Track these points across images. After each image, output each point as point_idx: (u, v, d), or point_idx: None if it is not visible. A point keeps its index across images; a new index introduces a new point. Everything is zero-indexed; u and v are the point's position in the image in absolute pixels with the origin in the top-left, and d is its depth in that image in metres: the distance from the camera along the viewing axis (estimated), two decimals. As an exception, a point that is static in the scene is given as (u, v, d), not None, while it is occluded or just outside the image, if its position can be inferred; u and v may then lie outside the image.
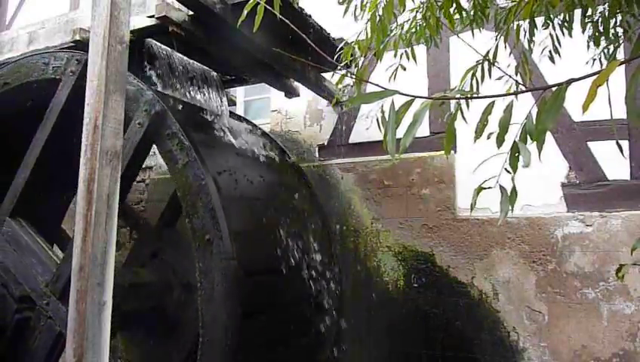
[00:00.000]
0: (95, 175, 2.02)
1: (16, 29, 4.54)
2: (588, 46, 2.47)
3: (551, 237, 3.67)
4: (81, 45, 3.26)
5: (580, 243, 3.57)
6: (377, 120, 1.30)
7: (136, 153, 2.98)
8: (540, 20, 2.36)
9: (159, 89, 3.37)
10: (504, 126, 1.20)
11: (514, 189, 1.30)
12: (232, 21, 2.91)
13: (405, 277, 4.15)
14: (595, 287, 3.50)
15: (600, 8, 2.29)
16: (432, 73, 4.25)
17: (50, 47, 3.55)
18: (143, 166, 4.59)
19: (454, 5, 2.16)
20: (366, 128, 4.42)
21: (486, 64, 2.20)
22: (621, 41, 2.36)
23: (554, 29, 2.42)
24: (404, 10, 2.27)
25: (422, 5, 2.26)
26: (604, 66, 2.01)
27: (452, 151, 4.07)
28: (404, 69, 2.49)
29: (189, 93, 3.73)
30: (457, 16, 2.26)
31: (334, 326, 4.01)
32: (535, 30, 2.34)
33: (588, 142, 3.67)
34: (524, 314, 3.70)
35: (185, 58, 3.76)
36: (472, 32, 2.35)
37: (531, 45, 2.40)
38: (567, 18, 2.36)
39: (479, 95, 1.33)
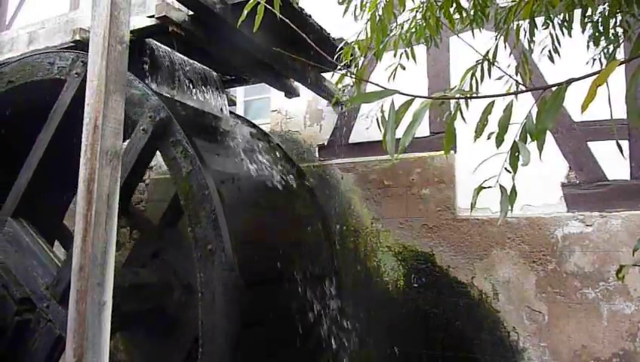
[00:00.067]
0: (95, 175, 2.02)
1: (16, 29, 4.54)
2: (588, 46, 2.47)
3: (551, 237, 3.67)
4: (81, 45, 3.26)
5: (580, 243, 3.57)
6: (377, 120, 1.30)
7: (140, 159, 2.97)
8: (540, 20, 2.36)
9: (156, 88, 3.36)
10: (504, 126, 1.20)
11: (514, 189, 1.31)
12: (232, 21, 2.91)
13: (405, 277, 4.15)
14: (595, 287, 3.50)
15: (600, 8, 2.29)
16: (432, 73, 4.25)
17: (50, 47, 3.55)
18: (143, 166, 4.58)
19: (454, 5, 2.16)
20: (366, 128, 4.42)
21: (486, 64, 2.20)
22: (621, 41, 2.36)
23: (554, 28, 2.42)
24: (404, 10, 2.27)
25: (422, 5, 2.26)
26: (604, 66, 2.01)
27: (452, 151, 4.07)
28: (404, 69, 2.49)
29: (189, 93, 3.72)
30: (457, 15, 2.26)
31: (333, 334, 4.00)
32: (535, 30, 2.34)
33: (588, 142, 3.67)
34: (524, 314, 3.70)
35: (185, 58, 3.76)
36: (472, 31, 2.35)
37: (531, 45, 2.40)
38: (567, 18, 2.36)
39: (479, 95, 1.33)
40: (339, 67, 2.42)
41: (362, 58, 2.50)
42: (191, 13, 3.03)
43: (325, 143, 4.72)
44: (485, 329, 3.81)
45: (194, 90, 3.77)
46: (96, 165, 2.02)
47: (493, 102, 1.26)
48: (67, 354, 1.97)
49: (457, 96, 1.28)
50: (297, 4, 3.23)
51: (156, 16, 2.96)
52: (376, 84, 1.26)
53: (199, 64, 3.92)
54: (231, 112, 4.40)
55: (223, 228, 2.78)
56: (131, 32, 2.31)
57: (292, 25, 1.77)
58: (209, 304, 2.73)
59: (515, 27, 2.33)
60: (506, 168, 1.24)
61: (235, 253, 2.78)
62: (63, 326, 2.58)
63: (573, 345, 3.53)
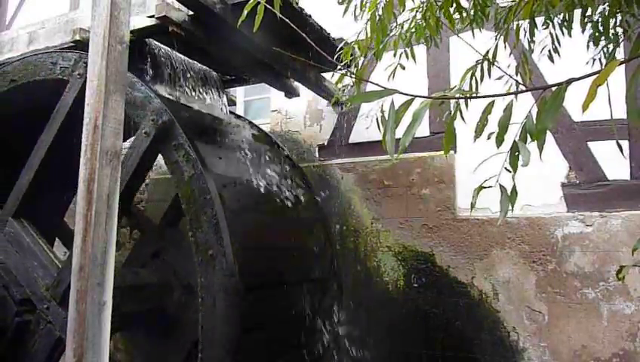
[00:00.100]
0: (95, 175, 2.01)
1: (16, 29, 4.54)
2: (588, 46, 2.46)
3: (551, 237, 3.67)
4: (81, 45, 3.26)
5: (580, 243, 3.57)
6: (377, 119, 1.30)
7: (142, 162, 2.97)
8: (540, 20, 2.36)
9: (159, 87, 3.36)
10: (504, 125, 1.20)
11: (514, 188, 1.31)
12: (232, 21, 2.91)
13: (405, 277, 4.15)
14: (595, 287, 3.50)
15: (600, 8, 2.29)
16: (432, 73, 4.25)
17: (50, 47, 3.55)
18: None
19: (454, 5, 2.15)
20: (366, 127, 4.42)
21: (485, 64, 2.20)
22: (621, 41, 2.36)
23: (554, 28, 2.41)
24: (403, 10, 2.27)
25: (422, 5, 2.26)
26: (604, 66, 2.01)
27: (452, 151, 4.07)
28: (403, 68, 2.48)
29: (189, 93, 3.72)
30: (457, 15, 2.26)
31: (334, 338, 4.00)
32: (535, 30, 2.33)
33: (588, 142, 3.67)
34: (524, 314, 3.70)
35: (185, 58, 3.76)
36: (472, 31, 2.35)
37: (531, 45, 2.40)
38: (566, 18, 2.35)
39: (479, 95, 1.33)
40: (339, 67, 2.42)
41: (362, 58, 2.50)
42: (191, 13, 3.03)
43: (325, 143, 4.72)
44: (485, 329, 3.81)
45: (195, 91, 3.77)
46: (96, 165, 2.02)
47: (493, 102, 1.26)
48: (67, 354, 1.97)
49: (457, 96, 1.28)
50: (297, 4, 3.23)
51: (156, 16, 2.96)
52: (376, 84, 1.26)
53: (199, 64, 3.92)
54: (231, 112, 4.40)
55: (224, 233, 2.77)
56: (131, 32, 2.31)
57: (292, 25, 1.77)
58: (209, 309, 2.73)
59: (515, 27, 2.33)
60: (506, 168, 1.24)
61: (236, 258, 2.78)
62: (63, 328, 2.58)
63: (573, 345, 3.53)
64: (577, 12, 2.34)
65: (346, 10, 2.30)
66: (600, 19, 2.28)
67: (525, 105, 1.26)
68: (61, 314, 2.86)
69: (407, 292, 4.12)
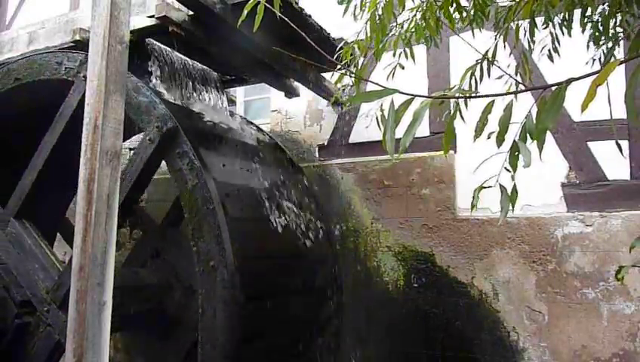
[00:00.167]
0: (95, 175, 2.01)
1: (16, 29, 4.54)
2: (588, 46, 2.47)
3: (551, 237, 3.67)
4: (81, 45, 3.26)
5: (580, 243, 3.57)
6: (377, 119, 1.30)
7: (146, 169, 2.96)
8: (540, 20, 2.36)
9: (161, 87, 3.36)
10: (504, 125, 1.20)
11: (514, 188, 1.31)
12: (232, 21, 2.91)
13: (405, 277, 4.15)
14: (595, 287, 3.50)
15: (600, 8, 2.29)
16: (432, 73, 4.25)
17: (50, 47, 3.55)
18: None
19: (454, 5, 2.15)
20: (365, 127, 4.42)
21: (485, 63, 2.20)
22: (620, 39, 2.36)
23: (554, 28, 2.41)
24: (403, 10, 2.27)
25: (421, 5, 2.26)
26: (603, 66, 2.01)
27: (452, 151, 4.07)
28: (403, 68, 2.48)
29: (189, 94, 3.72)
30: (457, 15, 2.26)
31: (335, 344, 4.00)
32: (535, 29, 2.33)
33: (588, 142, 3.67)
34: (524, 314, 3.70)
35: (185, 58, 3.76)
36: (472, 31, 2.34)
37: (531, 45, 2.40)
38: (566, 17, 2.35)
39: (479, 94, 1.33)
40: (338, 67, 2.42)
41: (362, 58, 2.49)
42: (191, 13, 3.03)
43: (325, 143, 4.71)
44: (485, 329, 3.81)
45: (194, 91, 3.77)
46: (96, 165, 2.02)
47: (493, 101, 1.26)
48: (67, 354, 1.97)
49: (457, 95, 1.28)
50: (297, 4, 3.23)
51: (156, 16, 2.96)
52: (377, 83, 1.26)
53: (199, 64, 3.92)
54: (235, 114, 4.40)
55: (226, 244, 2.77)
56: (131, 32, 2.31)
57: (292, 25, 1.77)
58: (210, 319, 2.74)
59: (514, 27, 2.33)
60: (505, 168, 1.24)
61: (238, 269, 2.77)
62: (63, 332, 2.58)
63: (573, 345, 3.52)
64: (577, 12, 2.34)
65: (345, 10, 2.30)
66: (600, 19, 2.28)
67: (525, 105, 1.26)
68: (61, 318, 2.86)
69: (407, 292, 4.12)
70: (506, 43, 2.29)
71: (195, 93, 3.78)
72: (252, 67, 3.84)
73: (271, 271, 3.32)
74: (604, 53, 2.44)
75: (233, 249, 2.79)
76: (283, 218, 3.75)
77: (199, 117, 3.61)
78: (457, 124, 1.34)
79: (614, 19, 2.25)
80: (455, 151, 4.06)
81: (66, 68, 3.14)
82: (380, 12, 2.12)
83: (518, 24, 2.33)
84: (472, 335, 3.85)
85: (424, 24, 2.24)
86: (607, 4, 2.21)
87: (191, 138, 2.94)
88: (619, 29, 2.30)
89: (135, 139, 4.52)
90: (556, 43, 2.46)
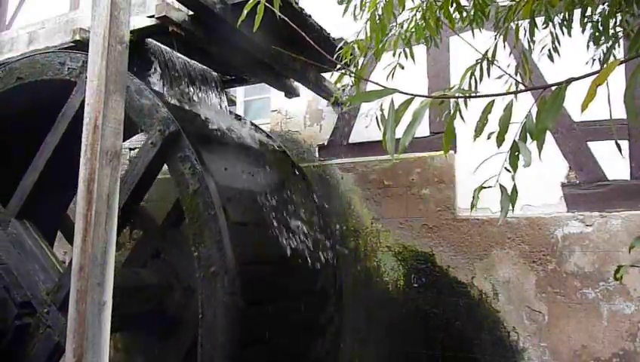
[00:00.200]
0: (95, 175, 2.01)
1: (16, 29, 4.54)
2: (588, 46, 2.46)
3: (551, 237, 3.67)
4: (81, 45, 3.26)
5: (580, 243, 3.57)
6: (377, 118, 1.30)
7: (148, 172, 2.96)
8: (540, 20, 2.36)
9: (162, 87, 3.35)
10: (504, 125, 1.20)
11: (514, 188, 1.30)
12: (232, 21, 2.91)
13: (405, 277, 4.15)
14: (595, 287, 3.50)
15: (600, 8, 2.29)
16: (432, 73, 4.25)
17: (50, 47, 3.55)
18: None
19: (454, 5, 2.15)
20: (365, 126, 4.42)
21: (485, 63, 2.20)
22: (619, 37, 2.36)
23: (554, 27, 2.41)
24: (403, 10, 2.27)
25: (421, 5, 2.26)
26: (603, 66, 2.01)
27: (452, 151, 4.07)
28: (402, 68, 2.48)
29: (190, 94, 3.72)
30: (457, 14, 2.26)
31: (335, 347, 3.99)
32: (535, 29, 2.33)
33: (588, 142, 3.67)
34: (524, 314, 3.70)
35: (185, 58, 3.76)
36: (472, 31, 2.34)
37: (531, 44, 2.40)
38: (566, 17, 2.35)
39: (479, 94, 1.32)
40: (338, 66, 2.42)
41: (362, 58, 2.49)
42: (191, 13, 3.03)
43: (325, 143, 4.71)
44: (485, 329, 3.81)
45: (194, 91, 3.76)
46: (96, 165, 2.02)
47: (493, 101, 1.26)
48: (67, 354, 1.97)
49: (457, 95, 1.28)
50: (297, 4, 3.23)
51: (156, 16, 2.96)
52: (377, 83, 1.26)
53: (199, 64, 3.91)
54: (237, 115, 4.39)
55: (227, 249, 2.75)
56: (131, 32, 2.31)
57: (292, 24, 1.77)
58: (210, 324, 2.73)
59: (514, 26, 2.33)
60: (506, 168, 1.24)
61: (239, 274, 2.76)
62: (63, 333, 2.58)
63: (573, 345, 3.52)
64: (577, 12, 2.34)
65: (345, 10, 2.30)
66: (600, 19, 2.28)
67: (525, 105, 1.26)
68: (61, 320, 2.85)
69: (407, 292, 4.12)
70: (505, 43, 2.29)
71: (194, 94, 3.78)
72: (252, 67, 3.83)
73: (271, 275, 3.30)
74: (604, 52, 2.44)
75: (234, 255, 2.77)
76: (284, 221, 3.75)
77: (202, 120, 3.60)
78: (457, 124, 1.34)
79: (614, 19, 2.25)
80: (455, 151, 4.06)
81: (68, 68, 3.14)
82: (380, 12, 2.12)
83: (518, 24, 2.33)
84: (472, 335, 3.85)
85: (424, 24, 2.24)
86: (607, 4, 2.20)
87: (193, 141, 2.93)
88: (619, 29, 2.30)
89: (135, 139, 4.53)
90: (556, 43, 2.46)
